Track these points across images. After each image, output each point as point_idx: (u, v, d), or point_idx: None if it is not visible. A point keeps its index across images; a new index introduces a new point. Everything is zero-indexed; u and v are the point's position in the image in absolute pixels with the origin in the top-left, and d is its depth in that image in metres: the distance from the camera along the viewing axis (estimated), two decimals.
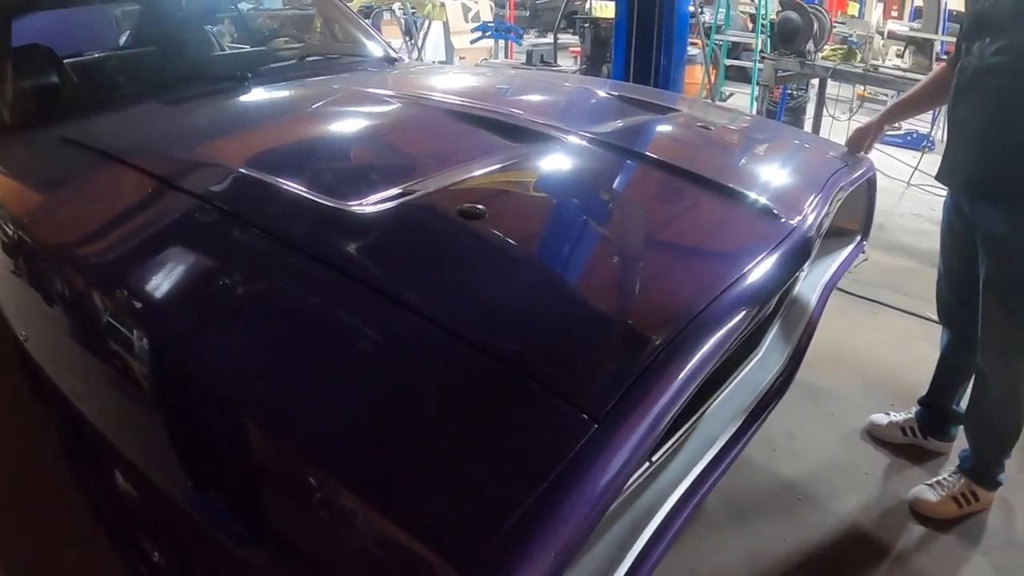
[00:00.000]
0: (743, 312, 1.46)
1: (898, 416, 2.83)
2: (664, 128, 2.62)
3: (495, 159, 2.05)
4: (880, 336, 3.66)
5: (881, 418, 2.86)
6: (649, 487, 1.45)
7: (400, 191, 1.78)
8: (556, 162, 2.11)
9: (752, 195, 1.94)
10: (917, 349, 3.49)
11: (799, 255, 1.75)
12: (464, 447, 1.10)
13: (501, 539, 0.95)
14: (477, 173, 1.94)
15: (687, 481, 1.48)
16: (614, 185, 2.07)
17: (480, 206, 1.68)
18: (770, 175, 2.22)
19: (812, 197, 2.03)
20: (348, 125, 2.57)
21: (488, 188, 1.90)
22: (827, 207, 2.04)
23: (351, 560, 1.12)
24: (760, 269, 1.60)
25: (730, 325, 1.40)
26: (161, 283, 1.59)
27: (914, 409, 2.79)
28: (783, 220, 1.84)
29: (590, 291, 1.51)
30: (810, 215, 1.92)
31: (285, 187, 1.80)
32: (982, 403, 2.37)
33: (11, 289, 2.05)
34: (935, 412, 2.71)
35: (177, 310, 1.51)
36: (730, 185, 1.98)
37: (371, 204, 1.71)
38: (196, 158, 2.15)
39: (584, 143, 2.20)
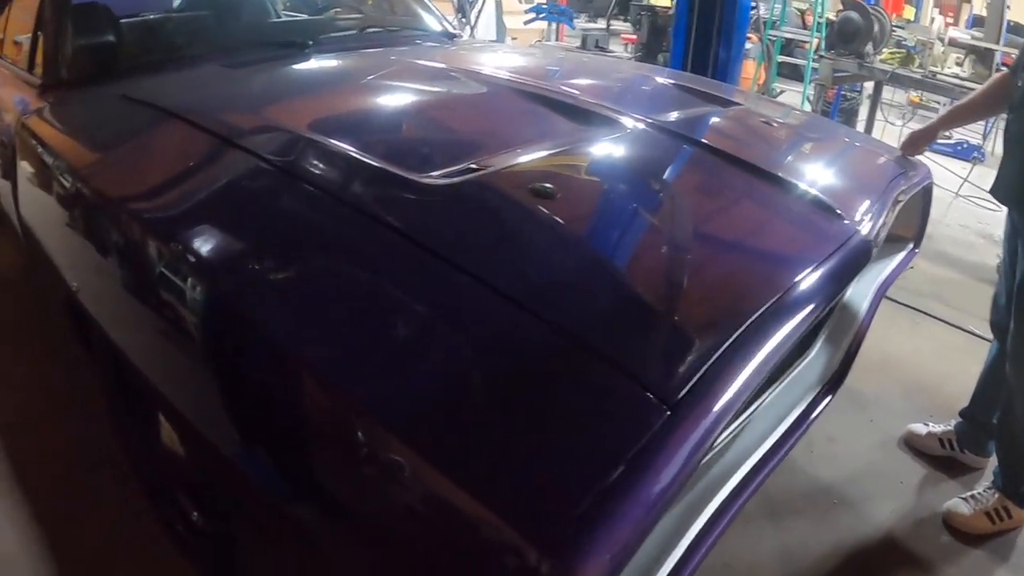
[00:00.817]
0: (807, 310, 1.46)
1: (937, 427, 2.80)
2: (729, 120, 2.60)
3: (562, 140, 2.05)
4: (922, 345, 3.63)
5: (920, 428, 2.83)
6: (700, 481, 1.46)
7: (469, 166, 1.78)
8: (623, 148, 2.11)
9: (817, 194, 1.93)
10: (958, 361, 3.46)
11: (860, 257, 1.74)
12: (539, 424, 1.11)
13: (576, 518, 0.96)
14: (544, 153, 1.94)
15: (737, 476, 1.48)
16: (681, 174, 2.06)
17: (550, 186, 1.68)
18: (834, 176, 2.20)
19: (874, 201, 2.01)
20: (412, 98, 2.57)
21: (556, 169, 1.90)
22: (887, 212, 2.02)
23: (412, 526, 1.13)
24: (824, 268, 1.59)
25: (795, 322, 1.41)
26: (223, 238, 1.62)
27: (953, 421, 2.76)
28: (846, 222, 1.83)
29: (662, 278, 1.51)
30: (872, 219, 1.90)
31: (353, 153, 1.80)
32: (1009, 416, 2.36)
33: (66, 241, 2.08)
34: (974, 425, 2.68)
35: (237, 264, 1.52)
36: (795, 182, 1.97)
37: (441, 177, 1.71)
38: (259, 120, 2.17)
39: (650, 130, 2.19)
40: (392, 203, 1.62)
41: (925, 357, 3.51)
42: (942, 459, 2.75)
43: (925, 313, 3.96)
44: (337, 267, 1.47)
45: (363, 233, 1.52)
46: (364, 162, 1.77)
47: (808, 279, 1.53)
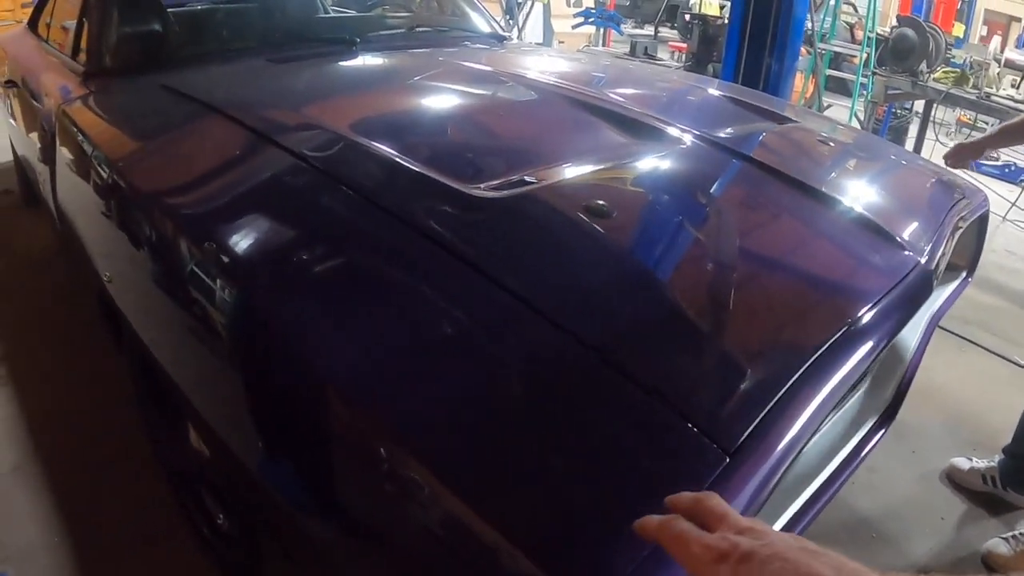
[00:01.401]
0: (868, 348, 1.38)
1: (980, 463, 2.71)
2: (786, 138, 2.53)
3: (614, 154, 1.99)
4: (967, 376, 3.54)
5: (963, 463, 2.75)
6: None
7: (520, 178, 1.71)
8: (681, 164, 2.04)
9: (879, 223, 1.85)
10: (1004, 393, 3.38)
11: (923, 291, 1.67)
12: (586, 469, 1.05)
13: (633, 572, 0.90)
14: (597, 167, 1.87)
15: (788, 515, 1.42)
16: (740, 196, 1.99)
17: (605, 204, 1.61)
18: (894, 202, 2.12)
19: (935, 230, 1.94)
20: (461, 102, 2.52)
21: (611, 185, 1.84)
22: (947, 242, 1.95)
23: (430, 552, 1.08)
24: (886, 302, 1.52)
25: (855, 361, 1.33)
26: (256, 238, 1.56)
27: (997, 457, 2.67)
28: (908, 252, 1.75)
29: (720, 312, 1.43)
30: (933, 250, 1.83)
31: (399, 159, 1.75)
32: None
33: (101, 229, 2.05)
34: (1017, 462, 2.59)
35: (269, 269, 1.47)
36: (856, 208, 1.89)
37: (491, 189, 1.65)
38: (302, 119, 2.12)
39: (706, 146, 2.13)
40: (440, 215, 1.55)
41: (969, 387, 3.43)
42: (984, 495, 2.67)
43: (970, 341, 3.87)
44: (375, 280, 1.42)
45: (407, 246, 1.46)
46: (411, 169, 1.71)
47: (870, 314, 1.46)
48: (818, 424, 1.22)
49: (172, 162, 1.97)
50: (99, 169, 2.00)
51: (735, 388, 1.21)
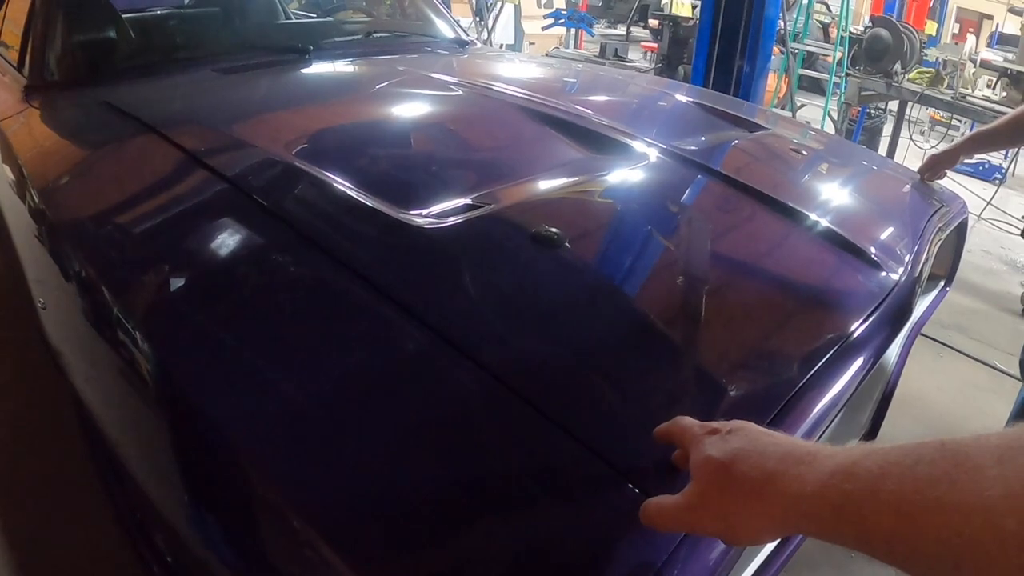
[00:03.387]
0: (845, 384, 1.29)
1: None
2: (755, 149, 2.43)
3: (572, 171, 1.88)
4: (945, 382, 3.49)
5: None
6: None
7: (467, 203, 1.61)
8: (640, 181, 1.92)
9: (856, 243, 1.74)
10: (982, 400, 3.35)
11: (903, 312, 1.57)
12: (525, 546, 0.93)
13: None
14: (552, 186, 1.77)
15: (758, 561, 1.33)
16: (704, 218, 1.87)
17: (556, 231, 1.50)
18: (871, 217, 2.03)
19: (914, 245, 1.85)
20: (413, 116, 2.40)
21: (563, 207, 1.73)
22: (927, 255, 1.87)
23: None
24: (865, 332, 1.42)
25: (830, 402, 1.24)
26: (177, 280, 1.44)
27: None
28: (886, 274, 1.65)
29: (678, 358, 1.32)
30: (913, 267, 1.74)
31: (339, 187, 1.63)
32: None
33: (34, 255, 1.93)
34: None
35: (191, 314, 1.35)
36: (832, 227, 1.79)
37: (434, 216, 1.54)
38: (240, 140, 1.99)
39: (670, 160, 2.02)
40: (372, 250, 1.44)
41: (948, 394, 3.38)
42: None
43: (948, 346, 3.83)
44: (300, 328, 1.28)
45: (333, 284, 1.34)
46: (349, 197, 1.59)
47: (847, 345, 1.36)
48: None
49: (102, 188, 1.85)
50: (31, 192, 1.88)
51: None
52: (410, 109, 2.45)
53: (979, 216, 5.84)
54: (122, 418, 1.47)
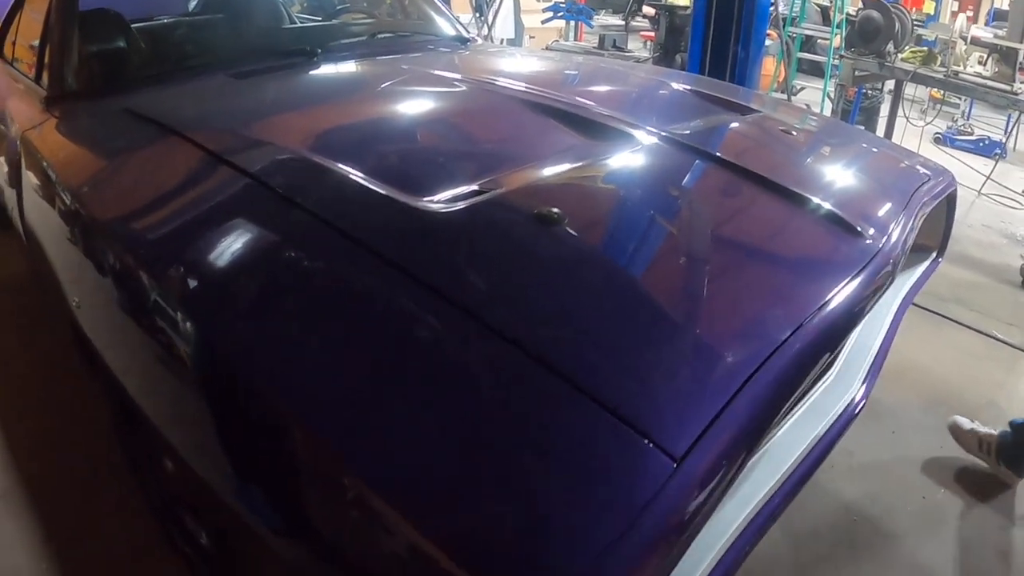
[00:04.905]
0: (825, 343, 1.40)
1: (982, 428, 2.71)
2: (746, 131, 2.54)
3: (571, 157, 2.00)
4: (944, 352, 3.56)
5: (964, 422, 2.74)
6: (719, 507, 1.41)
7: (473, 189, 1.73)
8: (635, 164, 2.05)
9: (838, 213, 1.86)
10: (981, 368, 3.41)
11: (882, 279, 1.68)
12: (536, 478, 1.06)
13: None
14: (552, 172, 1.89)
15: (756, 506, 1.44)
16: (695, 194, 1.99)
17: (557, 210, 1.62)
18: (854, 190, 2.14)
19: (897, 215, 1.96)
20: (419, 112, 2.52)
21: (564, 190, 1.85)
22: (910, 225, 1.97)
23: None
24: (846, 293, 1.53)
25: (814, 355, 1.35)
26: (212, 267, 1.57)
27: (1001, 428, 2.67)
28: (868, 241, 1.77)
29: (671, 313, 1.45)
30: (895, 235, 1.85)
31: (355, 178, 1.76)
32: None
33: (67, 255, 2.05)
34: (1019, 441, 2.59)
35: (228, 296, 1.48)
36: (816, 200, 1.91)
37: (443, 202, 1.67)
38: (259, 138, 2.12)
39: (664, 144, 2.14)
40: (390, 233, 1.57)
41: (947, 365, 3.44)
42: (968, 473, 2.69)
43: (947, 318, 3.89)
44: (327, 302, 1.42)
45: (361, 267, 1.47)
46: (365, 187, 1.72)
47: (825, 309, 1.47)
48: (773, 423, 1.24)
49: (133, 189, 1.97)
50: (63, 196, 2.00)
51: (683, 395, 1.23)
52: (417, 105, 2.56)
53: (979, 191, 5.90)
54: (163, 400, 1.59)
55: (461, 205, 1.66)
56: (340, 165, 1.81)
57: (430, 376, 1.23)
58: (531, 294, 1.43)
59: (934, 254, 2.60)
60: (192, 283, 1.51)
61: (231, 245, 1.63)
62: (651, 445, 1.08)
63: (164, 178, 1.96)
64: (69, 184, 1.99)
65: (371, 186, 1.71)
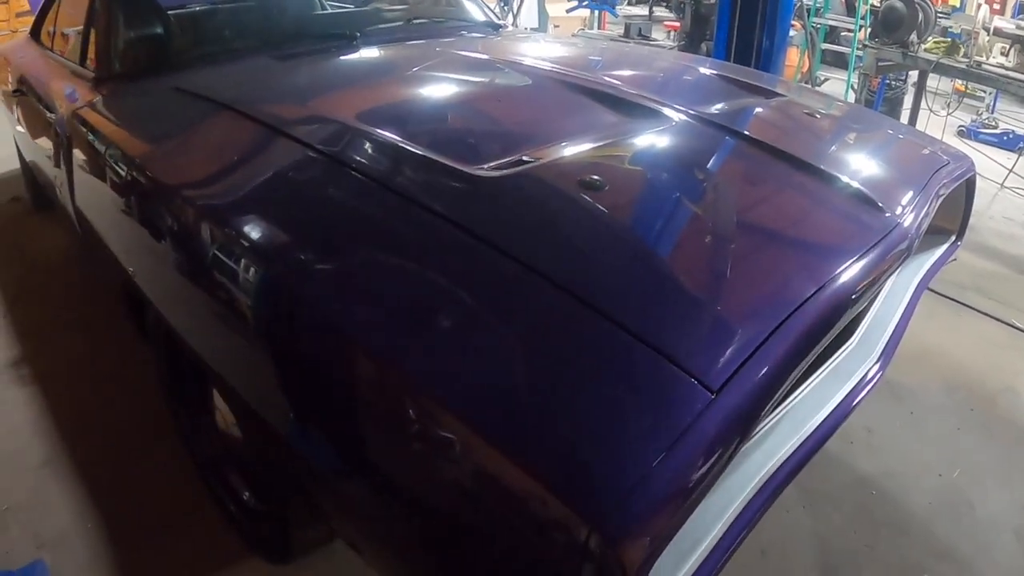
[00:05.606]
0: (846, 302, 1.49)
1: None
2: (772, 113, 2.62)
3: (608, 133, 2.09)
4: (964, 339, 3.62)
5: None
6: (737, 467, 1.49)
7: (519, 158, 1.82)
8: (667, 139, 2.13)
9: (859, 187, 1.95)
10: (1000, 356, 3.46)
11: (901, 251, 1.76)
12: (587, 407, 1.16)
13: (622, 496, 1.01)
14: (591, 146, 1.97)
15: (774, 464, 1.51)
16: (725, 166, 2.08)
17: (599, 178, 1.72)
18: (875, 168, 2.21)
19: (915, 194, 2.02)
20: (460, 90, 2.61)
21: (603, 161, 1.94)
22: (928, 205, 2.03)
23: (464, 500, 1.19)
24: (864, 261, 1.62)
25: (833, 315, 1.44)
26: (275, 224, 1.68)
27: None
28: (887, 215, 1.85)
29: (706, 268, 1.56)
30: (913, 212, 1.92)
31: (406, 145, 1.85)
32: None
33: (122, 227, 2.15)
34: None
35: (289, 248, 1.58)
36: (838, 175, 1.99)
37: (493, 169, 1.76)
38: (310, 111, 2.22)
39: (694, 122, 2.22)
40: (446, 194, 1.67)
41: (967, 351, 3.50)
42: (985, 454, 2.75)
43: (967, 306, 3.94)
44: (388, 253, 1.53)
45: (416, 222, 1.57)
46: (416, 153, 1.81)
47: (848, 272, 1.56)
48: (799, 372, 1.33)
49: (190, 158, 2.07)
50: (119, 169, 2.09)
51: (721, 337, 1.32)
52: (457, 84, 2.65)
53: (1002, 184, 5.92)
54: (227, 349, 1.70)
55: (510, 172, 1.75)
56: (390, 134, 1.91)
57: (488, 315, 1.35)
58: (578, 248, 1.53)
59: (953, 237, 2.65)
60: (258, 236, 1.62)
61: (292, 204, 1.74)
62: (691, 378, 1.18)
63: (221, 148, 2.06)
64: (127, 157, 2.08)
65: (423, 153, 1.81)
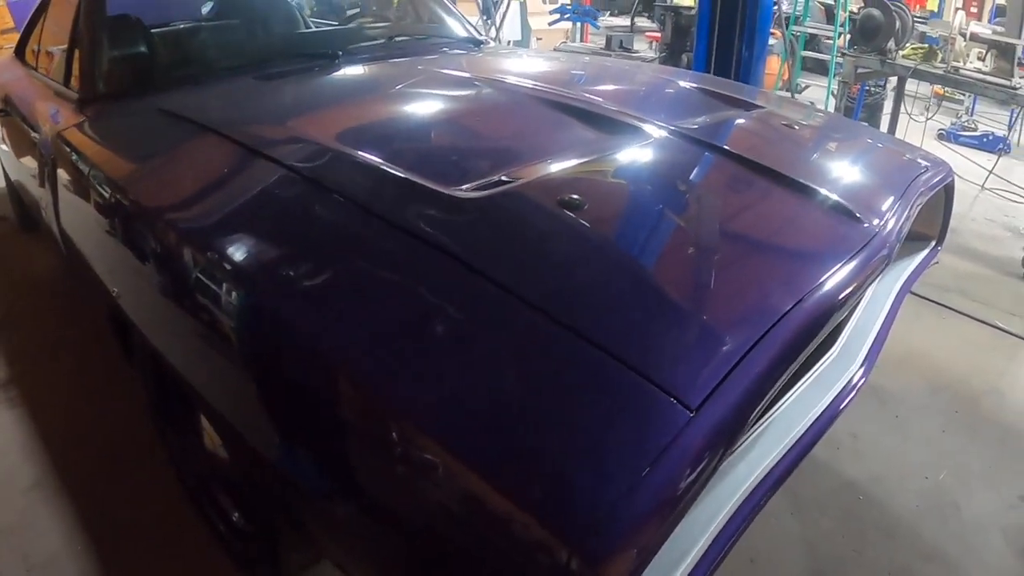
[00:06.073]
0: (827, 313, 1.51)
1: None
2: (750, 125, 2.63)
3: (587, 150, 2.10)
4: (947, 341, 3.65)
5: None
6: (722, 478, 1.50)
7: (498, 178, 1.83)
8: (646, 155, 2.15)
9: (836, 198, 1.97)
10: (984, 357, 3.49)
11: (879, 260, 1.78)
12: (566, 428, 1.17)
13: (603, 517, 1.03)
14: (570, 164, 1.99)
15: (759, 474, 1.53)
16: (703, 181, 2.10)
17: (578, 196, 1.74)
18: (852, 178, 2.23)
19: (893, 202, 2.05)
20: (441, 109, 2.62)
21: (582, 179, 1.95)
22: (907, 213, 2.06)
23: (447, 522, 1.19)
24: (844, 271, 1.64)
25: (814, 326, 1.46)
26: (257, 246, 1.69)
27: None
28: (866, 225, 1.87)
29: (685, 285, 1.57)
30: (891, 220, 1.95)
31: (386, 167, 1.86)
32: None
33: (106, 248, 2.15)
34: None
35: (271, 271, 1.59)
36: (816, 187, 2.01)
37: (472, 190, 1.77)
38: (292, 133, 2.22)
39: (672, 137, 2.23)
40: (424, 216, 1.67)
41: (950, 353, 3.53)
42: (971, 455, 2.78)
43: (950, 308, 3.97)
44: (370, 276, 1.54)
45: (395, 245, 1.58)
46: (396, 175, 1.82)
47: (827, 283, 1.58)
48: (780, 385, 1.34)
49: (174, 180, 2.07)
50: (103, 191, 2.10)
51: (700, 354, 1.34)
52: (438, 103, 2.67)
53: (982, 186, 5.98)
54: (210, 372, 1.71)
55: (489, 192, 1.76)
56: (370, 156, 1.92)
57: (467, 338, 1.36)
58: (556, 267, 1.54)
59: (934, 242, 2.68)
60: (241, 259, 1.62)
61: (273, 227, 1.75)
62: (671, 398, 1.19)
63: (204, 170, 2.07)
64: (111, 179, 2.09)
65: (402, 174, 1.82)
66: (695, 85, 3.04)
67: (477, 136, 2.35)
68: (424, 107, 2.65)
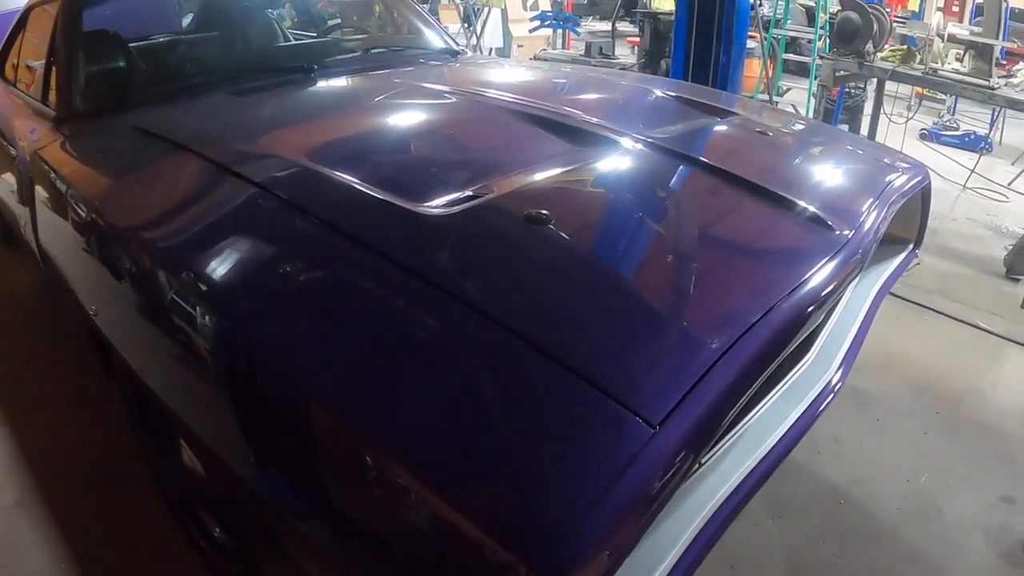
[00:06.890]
0: (797, 322, 1.52)
1: None
2: (724, 134, 2.64)
3: (558, 163, 2.11)
4: (928, 342, 3.66)
5: None
6: (697, 486, 1.51)
7: (467, 194, 1.84)
8: (617, 167, 2.16)
9: (809, 206, 1.98)
10: (965, 357, 3.51)
11: (852, 266, 1.79)
12: (526, 446, 1.18)
13: (562, 535, 1.03)
14: (540, 177, 2.00)
15: (733, 481, 1.53)
16: (673, 192, 2.11)
17: (545, 211, 1.74)
18: (827, 184, 2.26)
19: (867, 207, 2.07)
20: (414, 124, 2.63)
21: (551, 192, 1.96)
22: (882, 217, 2.07)
23: (413, 542, 1.19)
24: (814, 280, 1.65)
25: (784, 335, 1.47)
26: (229, 266, 1.69)
27: None
28: (837, 232, 1.88)
29: (650, 298, 1.57)
30: (864, 225, 1.96)
31: (355, 185, 1.87)
32: None
33: (83, 266, 2.15)
34: None
35: (243, 292, 1.60)
36: (787, 195, 2.02)
37: (440, 207, 1.78)
38: (263, 151, 2.23)
39: (644, 148, 2.24)
40: (394, 235, 1.68)
41: (931, 354, 3.54)
42: (952, 457, 2.79)
43: (931, 309, 3.99)
44: (338, 297, 1.54)
45: (364, 265, 1.58)
46: (367, 194, 1.83)
47: (797, 292, 1.59)
48: (747, 398, 1.35)
49: (148, 200, 2.07)
50: (79, 210, 2.09)
51: (662, 366, 1.35)
52: (412, 117, 2.68)
53: (964, 186, 6.00)
54: (185, 392, 1.71)
55: (457, 209, 1.77)
56: (342, 174, 1.93)
57: (433, 359, 1.36)
58: (521, 285, 1.55)
59: (911, 246, 2.69)
60: (210, 280, 1.62)
61: (244, 247, 1.75)
62: (633, 415, 1.20)
63: (177, 190, 2.07)
64: (87, 198, 2.09)
65: (372, 193, 1.82)
66: (671, 94, 3.05)
67: (449, 150, 2.36)
68: (397, 121, 2.66)
